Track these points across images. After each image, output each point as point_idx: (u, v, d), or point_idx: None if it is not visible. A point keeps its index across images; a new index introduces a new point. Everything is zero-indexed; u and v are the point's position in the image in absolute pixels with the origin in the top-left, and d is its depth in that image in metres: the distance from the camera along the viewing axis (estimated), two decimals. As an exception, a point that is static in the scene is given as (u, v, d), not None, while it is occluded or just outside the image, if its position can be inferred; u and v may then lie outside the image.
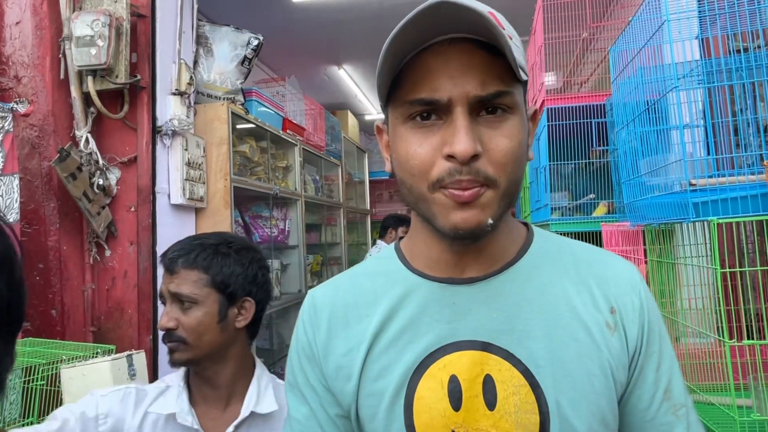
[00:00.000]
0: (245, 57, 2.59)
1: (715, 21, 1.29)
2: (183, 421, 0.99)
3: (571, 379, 0.58)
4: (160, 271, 2.09)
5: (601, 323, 0.60)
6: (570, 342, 0.59)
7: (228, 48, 2.56)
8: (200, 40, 2.51)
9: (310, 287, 3.59)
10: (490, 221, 0.56)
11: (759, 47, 1.22)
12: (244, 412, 1.02)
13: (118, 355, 1.44)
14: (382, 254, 0.72)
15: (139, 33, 2.11)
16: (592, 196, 2.35)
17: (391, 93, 0.59)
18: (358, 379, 0.63)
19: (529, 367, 0.59)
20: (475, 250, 0.62)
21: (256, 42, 2.60)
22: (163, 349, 2.08)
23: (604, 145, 2.30)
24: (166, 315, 1.02)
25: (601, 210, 2.30)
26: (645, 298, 0.63)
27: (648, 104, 1.28)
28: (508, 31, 0.55)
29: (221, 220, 2.40)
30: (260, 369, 1.10)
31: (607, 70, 2.46)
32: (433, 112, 0.56)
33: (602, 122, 2.26)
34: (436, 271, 0.64)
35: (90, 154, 2.00)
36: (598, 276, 0.64)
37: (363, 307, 0.66)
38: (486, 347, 0.60)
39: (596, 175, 2.47)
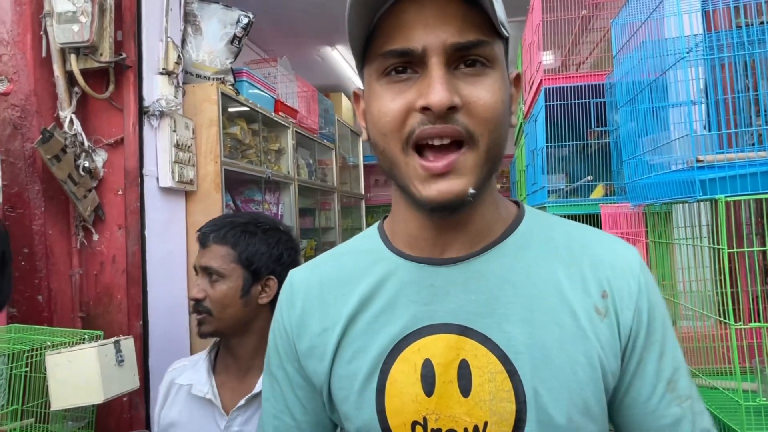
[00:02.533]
0: (235, 35, 2.51)
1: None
2: (197, 392, 1.06)
3: (552, 366, 0.54)
4: (150, 255, 2.06)
5: (589, 308, 0.56)
6: (553, 327, 0.56)
7: (217, 26, 2.48)
8: (188, 18, 2.43)
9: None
10: (472, 190, 0.52)
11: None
12: (258, 387, 1.06)
13: (104, 341, 1.40)
14: (365, 232, 0.70)
15: (124, 9, 2.03)
16: (590, 178, 2.32)
17: (366, 51, 0.56)
18: (331, 360, 0.61)
19: (507, 353, 0.55)
20: (455, 225, 0.58)
21: (246, 20, 2.52)
22: (153, 335, 2.06)
23: (602, 126, 2.25)
24: (197, 286, 1.10)
25: (598, 192, 2.27)
26: (645, 284, 0.58)
27: (652, 80, 1.23)
28: None
29: (212, 203, 2.35)
30: None
31: (606, 49, 2.41)
32: (408, 65, 0.53)
33: (601, 102, 2.22)
34: (415, 251, 0.61)
35: (75, 135, 1.94)
36: (592, 258, 0.59)
37: (341, 286, 0.64)
38: (463, 331, 0.56)
39: (594, 157, 2.43)
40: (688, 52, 1.04)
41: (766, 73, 1.27)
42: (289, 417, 0.66)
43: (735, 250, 0.97)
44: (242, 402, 1.05)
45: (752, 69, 1.16)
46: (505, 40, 0.56)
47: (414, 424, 0.56)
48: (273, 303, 1.14)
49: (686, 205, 1.29)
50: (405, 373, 0.57)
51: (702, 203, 1.16)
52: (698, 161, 0.99)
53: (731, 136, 1.15)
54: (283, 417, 0.66)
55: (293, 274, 0.70)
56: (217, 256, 1.08)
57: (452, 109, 0.50)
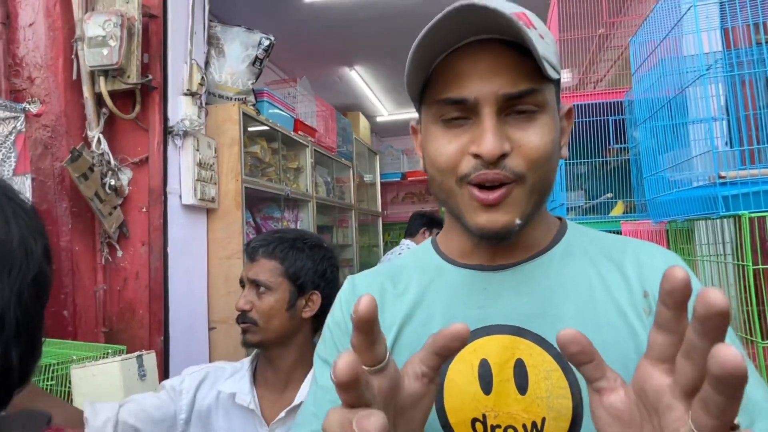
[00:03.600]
0: (256, 57, 2.58)
1: (738, 11, 1.25)
2: (241, 402, 1.08)
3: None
4: (172, 271, 2.10)
5: (637, 307, 0.58)
6: (604, 326, 0.57)
7: (239, 48, 2.55)
8: (212, 41, 2.51)
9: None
10: (518, 221, 0.57)
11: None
12: (297, 399, 1.08)
13: (128, 355, 1.43)
14: (419, 247, 0.74)
15: (151, 33, 2.10)
16: (609, 195, 2.30)
17: (424, 93, 0.61)
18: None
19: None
20: (507, 243, 0.62)
21: (267, 42, 2.59)
22: (174, 350, 2.08)
23: (621, 143, 2.24)
24: (243, 298, 1.11)
25: (619, 209, 2.25)
26: None
27: (672, 97, 1.23)
28: (539, 29, 0.56)
29: (233, 221, 2.39)
30: None
31: (623, 67, 2.41)
32: (463, 113, 0.57)
33: (619, 119, 2.21)
34: (468, 260, 0.65)
35: (102, 154, 2.00)
36: (632, 261, 0.62)
37: (397, 291, 0.68)
38: (517, 332, 0.59)
39: (613, 174, 2.42)
40: (707, 69, 1.04)
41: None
42: None
43: (761, 266, 0.95)
44: (282, 414, 1.07)
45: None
46: (556, 81, 0.59)
47: (474, 421, 0.59)
48: (315, 318, 1.17)
49: (709, 221, 1.27)
50: (462, 372, 0.60)
51: (725, 220, 1.15)
52: (720, 177, 0.99)
53: (753, 152, 1.14)
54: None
55: (355, 278, 0.74)
56: (266, 269, 1.11)
57: (503, 155, 0.55)
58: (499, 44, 0.55)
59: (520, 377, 0.58)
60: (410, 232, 3.31)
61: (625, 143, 2.23)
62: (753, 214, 0.93)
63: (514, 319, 0.60)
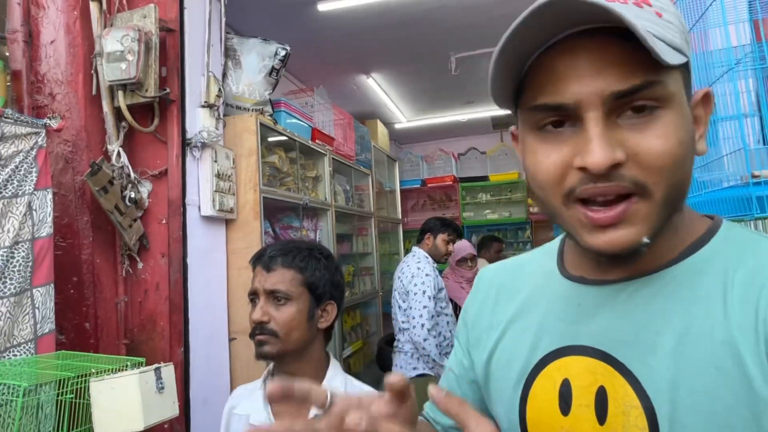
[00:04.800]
0: (273, 68, 2.59)
1: (763, 3, 1.19)
2: (254, 421, 1.07)
3: (699, 414, 0.47)
4: (192, 282, 2.10)
5: (760, 351, 0.46)
6: (708, 369, 0.47)
7: (256, 59, 2.57)
8: (228, 53, 2.53)
9: (343, 298, 3.56)
10: (646, 240, 0.48)
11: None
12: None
13: (145, 368, 1.42)
14: (551, 244, 0.69)
15: (168, 47, 2.13)
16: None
17: (519, 97, 0.53)
18: (488, 356, 0.65)
19: (646, 388, 0.50)
20: (627, 258, 0.54)
21: (283, 52, 2.60)
22: (194, 362, 2.08)
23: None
24: (260, 309, 1.08)
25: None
26: None
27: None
28: (657, 5, 0.48)
29: (251, 231, 2.39)
30: (333, 370, 1.15)
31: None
32: (565, 119, 0.49)
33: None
34: (574, 269, 0.60)
35: (121, 167, 2.02)
36: None
37: (512, 291, 0.67)
38: (603, 357, 0.53)
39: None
40: (736, 63, 0.99)
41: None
42: (457, 369, 0.73)
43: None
44: None
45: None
46: (683, 66, 0.49)
47: None
48: (328, 330, 1.16)
49: (745, 224, 1.21)
50: (545, 388, 0.58)
51: (761, 221, 1.09)
52: (754, 176, 0.93)
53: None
54: (454, 369, 0.73)
55: (484, 270, 0.74)
56: (285, 279, 1.09)
57: (615, 165, 0.46)
58: (603, 33, 0.46)
59: (600, 406, 0.53)
60: (418, 240, 3.28)
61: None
62: (791, 215, 0.87)
63: (603, 343, 0.53)
